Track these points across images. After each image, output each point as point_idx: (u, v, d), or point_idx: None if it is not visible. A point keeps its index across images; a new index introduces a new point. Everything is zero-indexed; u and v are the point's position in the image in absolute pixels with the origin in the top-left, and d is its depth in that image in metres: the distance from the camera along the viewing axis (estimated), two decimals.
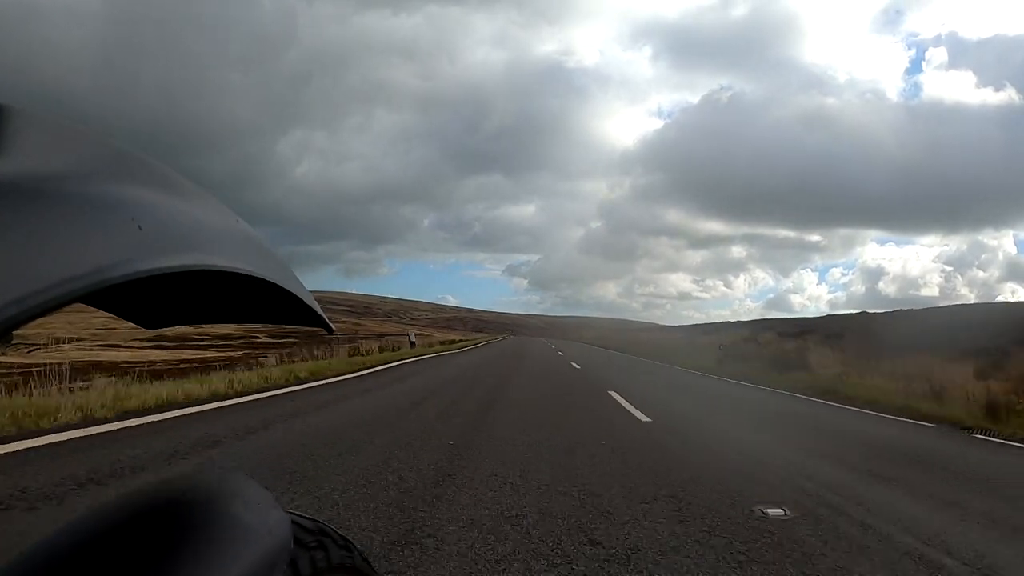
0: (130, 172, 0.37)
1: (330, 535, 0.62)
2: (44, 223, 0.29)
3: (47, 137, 0.33)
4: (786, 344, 24.60)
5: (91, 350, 37.99)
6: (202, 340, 51.58)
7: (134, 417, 5.42)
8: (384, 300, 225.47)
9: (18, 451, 3.98)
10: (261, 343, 46.98)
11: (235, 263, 0.40)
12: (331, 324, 0.55)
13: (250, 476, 0.56)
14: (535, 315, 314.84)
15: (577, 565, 2.57)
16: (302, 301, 0.49)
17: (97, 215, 0.32)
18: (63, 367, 7.45)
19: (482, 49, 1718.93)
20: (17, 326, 0.27)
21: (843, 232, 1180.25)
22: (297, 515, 0.59)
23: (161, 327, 0.55)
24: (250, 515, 0.48)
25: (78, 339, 53.74)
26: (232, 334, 56.85)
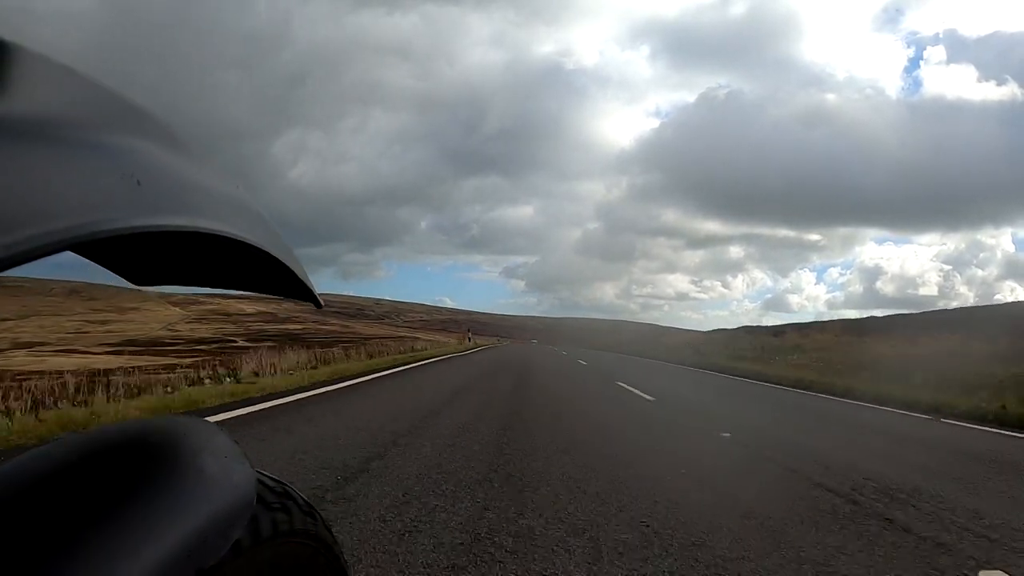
0: (134, 125, 0.38)
1: (295, 499, 0.61)
2: (41, 167, 0.29)
3: (52, 80, 0.33)
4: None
5: (44, 355, 35.71)
6: (175, 344, 49.58)
7: None
8: (378, 302, 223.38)
9: None
10: (237, 347, 44.79)
11: (230, 228, 0.40)
12: (320, 300, 0.56)
13: (221, 429, 0.56)
14: (533, 316, 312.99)
15: None
16: (294, 274, 0.49)
17: (95, 165, 0.32)
18: None
19: (479, 49, 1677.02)
20: (3, 269, 0.28)
21: (843, 231, 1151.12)
22: (263, 475, 0.59)
23: (150, 285, 0.56)
24: (216, 467, 0.49)
25: (42, 343, 51.64)
26: (207, 338, 54.87)
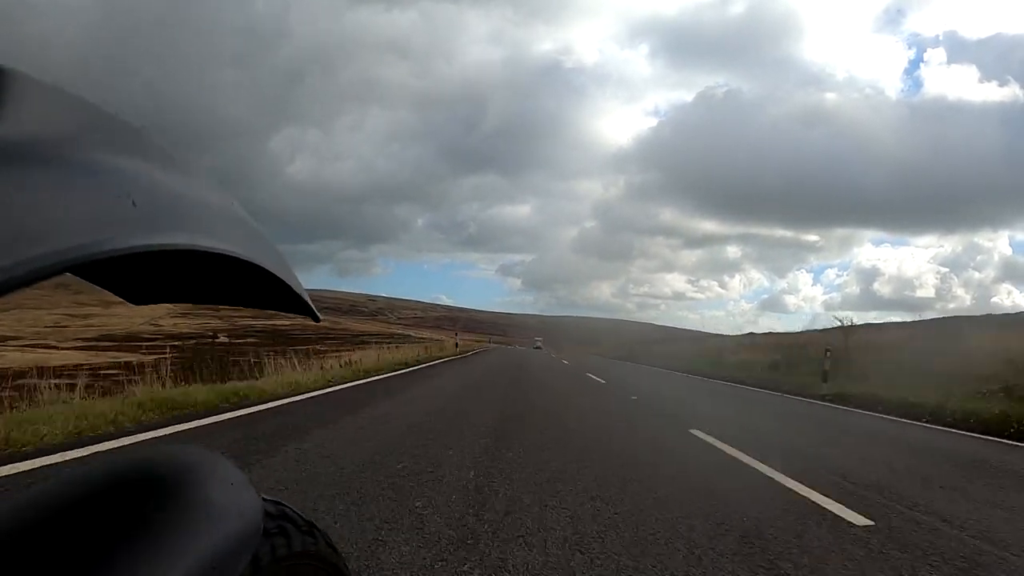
0: (129, 145, 0.38)
1: (292, 519, 0.62)
2: (37, 189, 0.29)
3: (46, 102, 0.33)
4: None
5: (5, 351, 33.53)
6: (153, 340, 47.52)
7: None
8: (372, 299, 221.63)
9: None
10: (218, 343, 42.58)
11: (227, 246, 0.40)
12: (318, 314, 0.58)
13: (227, 457, 0.58)
14: (530, 315, 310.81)
15: None
16: (291, 288, 0.50)
17: (91, 186, 0.32)
18: None
19: (477, 47, 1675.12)
20: (2, 294, 0.28)
21: (840, 232, 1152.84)
22: (263, 498, 0.60)
23: (148, 303, 0.57)
24: (223, 496, 0.50)
25: (15, 338, 49.58)
26: (188, 333, 52.79)
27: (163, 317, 79.07)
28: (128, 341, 43.60)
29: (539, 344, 78.92)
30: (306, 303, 0.53)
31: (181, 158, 0.43)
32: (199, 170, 0.45)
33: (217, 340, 47.62)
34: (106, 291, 0.50)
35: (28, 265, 0.27)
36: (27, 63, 0.31)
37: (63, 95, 0.34)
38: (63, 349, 36.64)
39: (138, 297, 0.54)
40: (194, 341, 42.04)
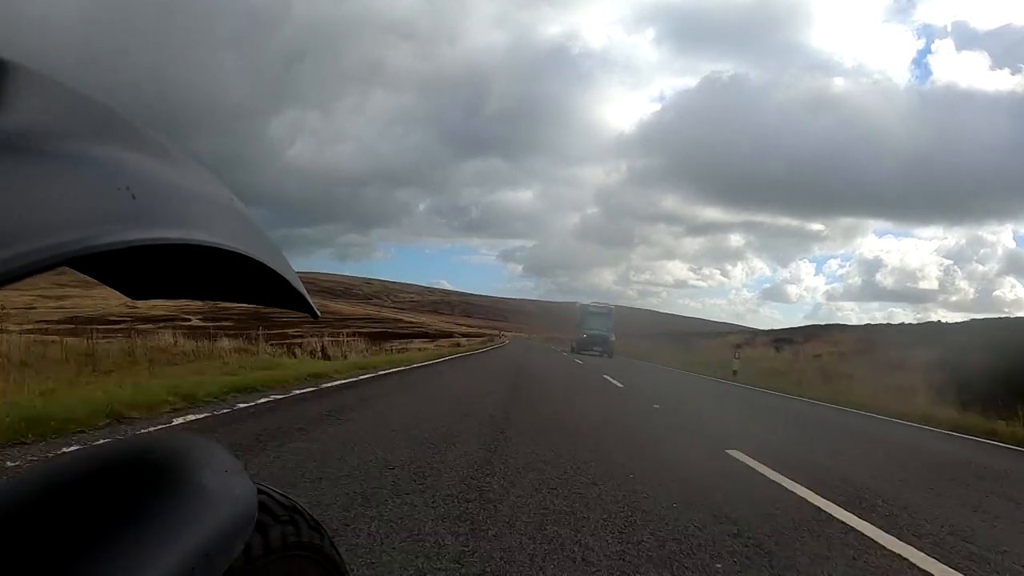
0: (128, 138, 0.38)
1: (302, 513, 0.64)
2: (36, 181, 0.29)
3: (46, 95, 0.34)
4: None
5: None
6: (120, 322, 44.94)
7: None
8: (368, 282, 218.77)
9: None
10: (190, 327, 39.98)
11: (225, 240, 0.41)
12: (317, 310, 0.58)
13: (222, 444, 0.59)
14: (530, 300, 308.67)
15: None
16: (289, 284, 0.50)
17: (90, 179, 0.33)
18: None
19: (482, 29, 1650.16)
20: (0, 286, 0.28)
21: (845, 222, 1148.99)
22: (270, 489, 0.62)
23: (146, 298, 0.57)
24: (216, 483, 0.50)
25: None
26: (160, 316, 50.32)
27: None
28: (91, 324, 40.90)
29: (597, 338, 33.23)
30: (304, 299, 0.53)
31: (180, 151, 0.43)
32: (198, 163, 0.45)
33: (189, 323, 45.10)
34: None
35: (27, 258, 0.27)
36: (26, 47, 0.42)
37: (63, 88, 0.34)
38: (9, 332, 33.97)
39: (137, 292, 0.54)
40: (163, 324, 39.34)
